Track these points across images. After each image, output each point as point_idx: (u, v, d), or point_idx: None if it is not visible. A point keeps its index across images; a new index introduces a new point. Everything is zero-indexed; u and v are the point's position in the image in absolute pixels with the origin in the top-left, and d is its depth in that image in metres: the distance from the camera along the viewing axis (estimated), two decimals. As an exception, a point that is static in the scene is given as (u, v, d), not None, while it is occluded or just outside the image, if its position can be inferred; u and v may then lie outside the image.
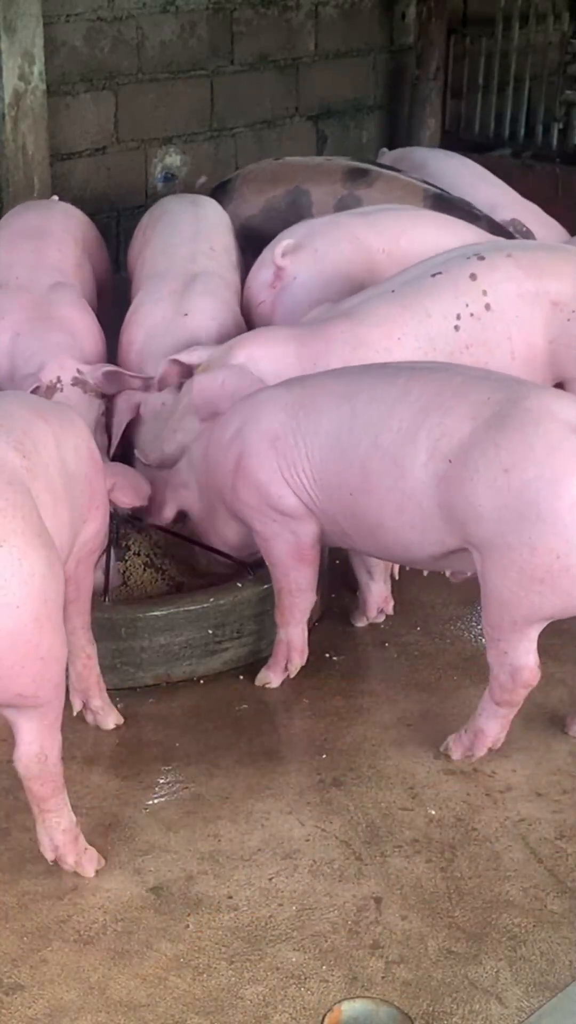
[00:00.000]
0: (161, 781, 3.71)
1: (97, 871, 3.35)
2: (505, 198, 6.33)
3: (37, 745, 3.19)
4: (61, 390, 4.62)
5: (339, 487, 3.80)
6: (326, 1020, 2.54)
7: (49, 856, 3.33)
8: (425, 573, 4.20)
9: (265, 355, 4.36)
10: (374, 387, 3.80)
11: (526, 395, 3.55)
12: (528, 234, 5.87)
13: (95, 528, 3.69)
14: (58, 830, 3.31)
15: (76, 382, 4.62)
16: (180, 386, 4.64)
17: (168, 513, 4.38)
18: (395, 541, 3.76)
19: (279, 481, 3.89)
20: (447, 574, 3.97)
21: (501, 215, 6.05)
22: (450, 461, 3.55)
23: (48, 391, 4.59)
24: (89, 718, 3.95)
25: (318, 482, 3.85)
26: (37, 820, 3.31)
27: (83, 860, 3.35)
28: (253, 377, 4.26)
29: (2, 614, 2.96)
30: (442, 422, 3.59)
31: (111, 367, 4.69)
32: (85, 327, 4.92)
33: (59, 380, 4.61)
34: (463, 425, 3.55)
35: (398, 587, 4.54)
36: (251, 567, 4.28)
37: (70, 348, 4.74)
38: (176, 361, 4.59)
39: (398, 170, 6.19)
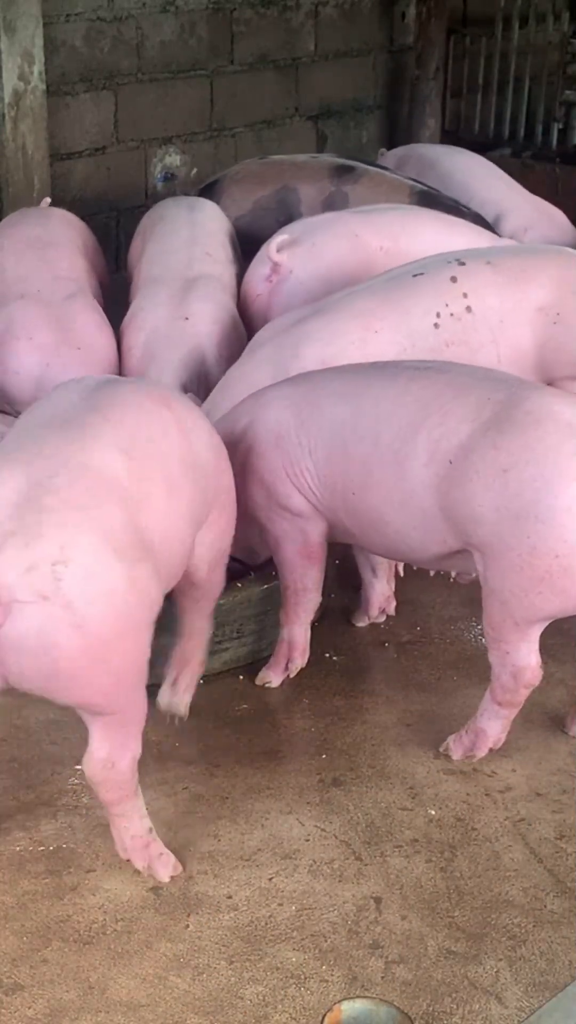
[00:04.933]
0: (161, 781, 3.71)
1: (96, 871, 3.36)
2: (514, 196, 6.35)
3: (104, 751, 3.14)
4: None
5: (343, 486, 3.80)
6: (326, 1020, 2.54)
7: (122, 855, 3.31)
8: (432, 573, 4.20)
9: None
10: (377, 386, 3.80)
11: (527, 396, 3.55)
12: None
13: (220, 530, 3.64)
14: (127, 835, 3.28)
15: None
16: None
17: None
18: (398, 540, 3.76)
19: (284, 480, 3.90)
20: (452, 576, 3.96)
21: (508, 214, 6.06)
22: (450, 462, 3.55)
23: None
24: (164, 700, 3.86)
25: (322, 480, 3.85)
26: (110, 819, 3.28)
27: (156, 865, 3.30)
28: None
29: (62, 632, 2.91)
30: (442, 423, 3.59)
31: None
32: (103, 345, 4.93)
33: None
34: (463, 426, 3.55)
35: (399, 587, 4.53)
36: (251, 568, 4.28)
37: None
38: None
39: (385, 167, 6.21)
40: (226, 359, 4.78)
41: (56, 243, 5.31)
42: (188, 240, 5.36)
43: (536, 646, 3.59)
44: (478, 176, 6.45)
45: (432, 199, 5.80)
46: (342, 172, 5.92)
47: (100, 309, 5.06)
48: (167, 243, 5.37)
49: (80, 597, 2.90)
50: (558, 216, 6.27)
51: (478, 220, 5.72)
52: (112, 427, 3.24)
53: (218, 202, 5.92)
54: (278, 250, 5.03)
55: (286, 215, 5.72)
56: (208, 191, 6.12)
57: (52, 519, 2.94)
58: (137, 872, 3.35)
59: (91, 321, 4.93)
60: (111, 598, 2.95)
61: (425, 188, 5.90)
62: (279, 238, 5.06)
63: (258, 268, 5.16)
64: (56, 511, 2.96)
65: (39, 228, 5.44)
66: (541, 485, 3.39)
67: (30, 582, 2.88)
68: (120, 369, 4.96)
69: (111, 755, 3.15)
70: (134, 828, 3.28)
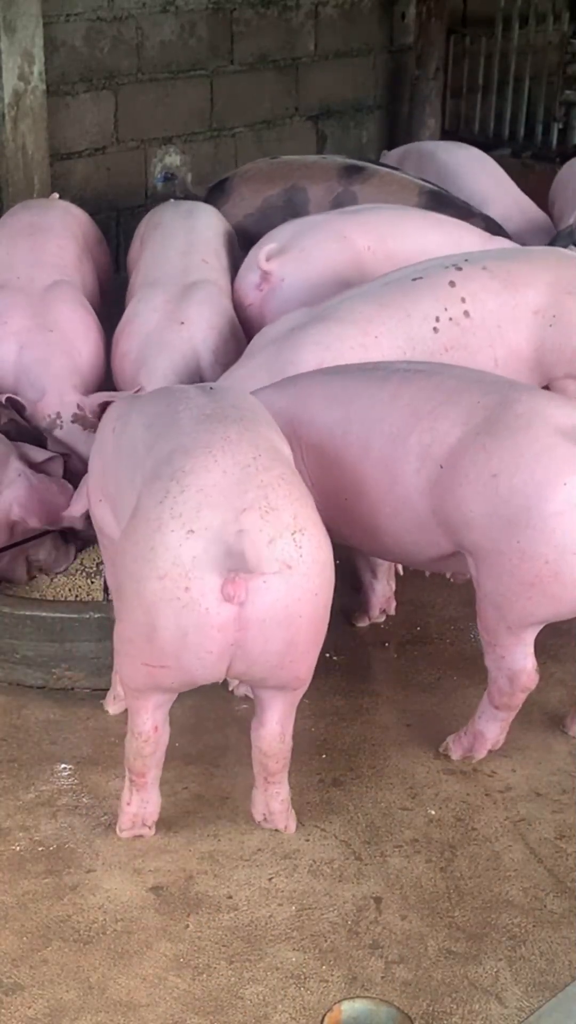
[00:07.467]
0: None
1: (96, 871, 3.36)
2: (500, 192, 6.35)
3: (279, 727, 3.36)
4: (61, 427, 4.66)
5: (335, 491, 3.79)
6: (326, 1020, 2.54)
7: (257, 818, 3.50)
8: (427, 574, 4.20)
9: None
10: (366, 390, 3.79)
11: (517, 399, 3.54)
12: None
13: None
14: (276, 800, 3.47)
15: (76, 419, 4.65)
16: None
17: None
18: (393, 544, 3.76)
19: None
20: (448, 576, 3.96)
21: (487, 208, 6.07)
22: (441, 466, 3.54)
23: (48, 429, 4.63)
24: None
25: (315, 485, 3.83)
26: (258, 787, 3.47)
27: (290, 822, 3.50)
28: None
29: (305, 600, 3.07)
30: (433, 427, 3.58)
31: (106, 397, 4.64)
32: (84, 333, 4.90)
33: (59, 416, 4.66)
34: (454, 430, 3.54)
35: (399, 587, 4.53)
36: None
37: (71, 375, 4.74)
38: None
39: (394, 167, 6.21)
40: (222, 364, 4.76)
41: (47, 230, 5.30)
42: (185, 246, 5.33)
43: (531, 649, 3.58)
44: (471, 170, 6.46)
45: (441, 199, 5.79)
46: (351, 172, 5.92)
47: (81, 296, 5.03)
48: (163, 249, 5.34)
49: (314, 565, 3.09)
50: (534, 214, 6.26)
51: (487, 221, 5.71)
52: (263, 419, 3.43)
53: (227, 200, 5.92)
54: (267, 259, 5.02)
55: (294, 214, 5.70)
56: (218, 189, 6.12)
57: (278, 493, 3.10)
58: (137, 872, 3.36)
59: (67, 306, 4.91)
60: (330, 568, 3.17)
61: (434, 188, 5.90)
62: (268, 246, 5.04)
63: (248, 276, 5.14)
64: (276, 486, 3.11)
65: (35, 216, 5.43)
66: (531, 490, 3.38)
67: (273, 553, 3.03)
68: (112, 370, 4.95)
69: (284, 729, 3.38)
70: (284, 792, 3.47)
